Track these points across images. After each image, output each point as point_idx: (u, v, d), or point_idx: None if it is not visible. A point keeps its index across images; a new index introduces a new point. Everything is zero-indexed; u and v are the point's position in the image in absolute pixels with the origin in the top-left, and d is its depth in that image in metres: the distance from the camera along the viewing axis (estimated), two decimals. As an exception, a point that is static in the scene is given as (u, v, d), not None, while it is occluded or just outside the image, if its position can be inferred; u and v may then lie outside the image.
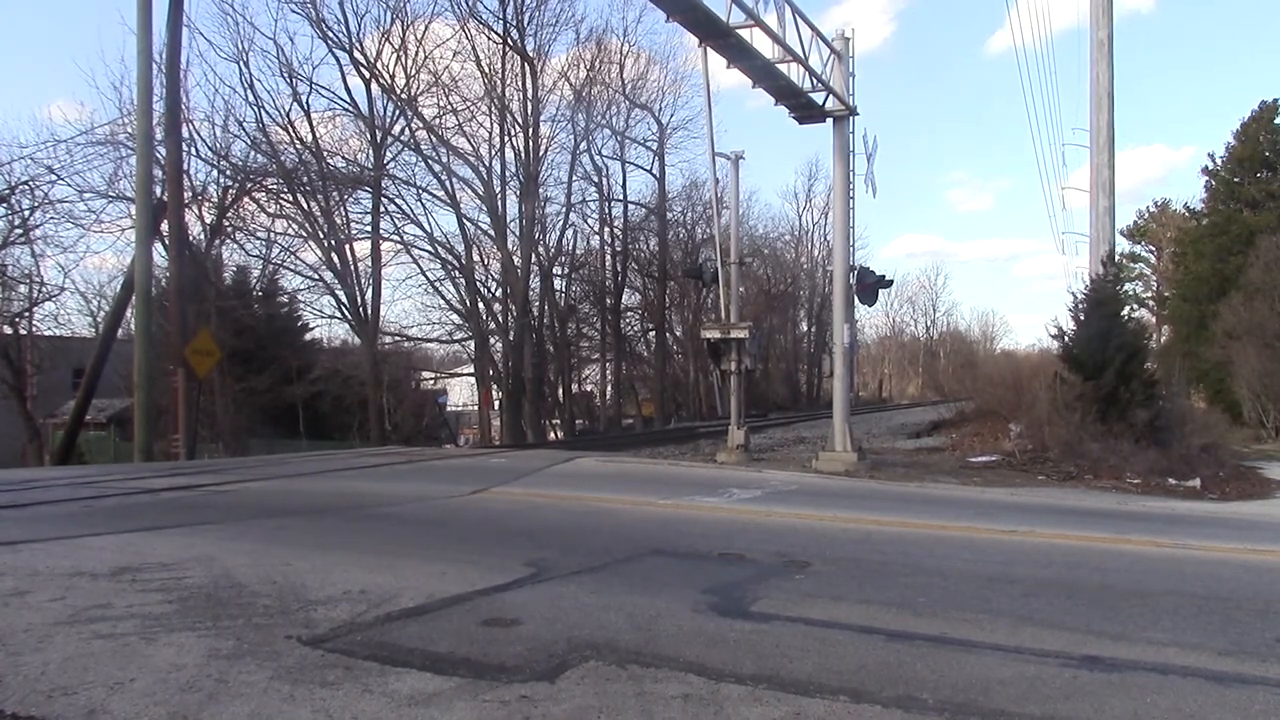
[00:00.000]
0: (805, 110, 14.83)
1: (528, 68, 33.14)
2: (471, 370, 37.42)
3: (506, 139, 33.53)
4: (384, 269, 32.63)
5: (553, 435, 36.68)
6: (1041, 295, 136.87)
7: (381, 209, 31.82)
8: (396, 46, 31.45)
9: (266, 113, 29.69)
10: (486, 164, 33.17)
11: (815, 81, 14.15)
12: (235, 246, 31.33)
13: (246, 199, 29.60)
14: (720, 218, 18.74)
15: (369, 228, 31.88)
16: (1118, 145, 17.82)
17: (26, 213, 24.09)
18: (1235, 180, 39.14)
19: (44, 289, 25.58)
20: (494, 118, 33.28)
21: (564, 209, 37.78)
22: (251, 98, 29.55)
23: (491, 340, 34.93)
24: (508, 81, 33.20)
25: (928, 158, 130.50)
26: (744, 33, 12.55)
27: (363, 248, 31.82)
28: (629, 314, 45.22)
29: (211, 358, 18.30)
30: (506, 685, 3.29)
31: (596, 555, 6.11)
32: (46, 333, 27.35)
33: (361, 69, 31.29)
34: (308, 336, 37.13)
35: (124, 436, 25.86)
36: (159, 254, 20.37)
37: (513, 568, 5.45)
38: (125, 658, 3.52)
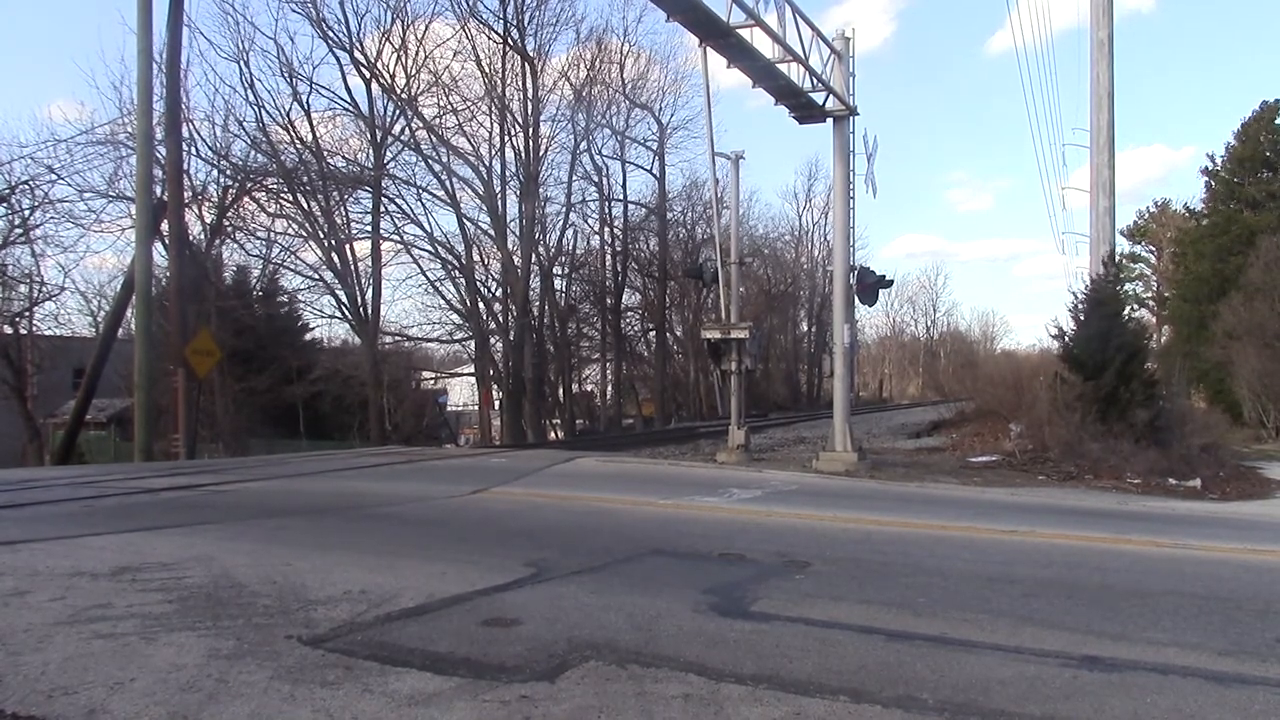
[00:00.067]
0: (805, 110, 14.83)
1: (528, 67, 33.14)
2: (472, 370, 37.42)
3: (506, 139, 33.56)
4: (384, 269, 32.67)
5: (553, 435, 36.67)
6: (1041, 295, 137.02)
7: (381, 209, 31.82)
8: (397, 46, 31.48)
9: (267, 112, 29.73)
10: (486, 164, 33.20)
11: (815, 81, 14.15)
12: (235, 246, 31.39)
13: (246, 199, 29.62)
14: (720, 218, 18.73)
15: (369, 227, 31.88)
16: (1118, 145, 17.85)
17: (27, 212, 24.12)
18: (1235, 180, 39.15)
19: (44, 289, 25.61)
20: (494, 117, 33.32)
21: (564, 209, 37.82)
22: (252, 97, 29.58)
23: (492, 340, 34.93)
24: (508, 81, 33.23)
25: (928, 158, 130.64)
26: (744, 32, 12.55)
27: (363, 247, 31.87)
28: (629, 314, 45.24)
29: (211, 358, 18.31)
30: (506, 685, 3.29)
31: (597, 555, 6.11)
32: (47, 332, 27.37)
33: (362, 69, 31.32)
34: (308, 336, 37.15)
35: (124, 436, 25.86)
36: (159, 254, 20.39)
37: (513, 568, 5.45)
38: (125, 658, 3.52)
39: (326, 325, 38.55)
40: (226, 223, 29.27)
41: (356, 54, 30.91)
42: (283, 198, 30.14)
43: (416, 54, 31.69)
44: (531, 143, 33.47)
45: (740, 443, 16.95)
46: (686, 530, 7.51)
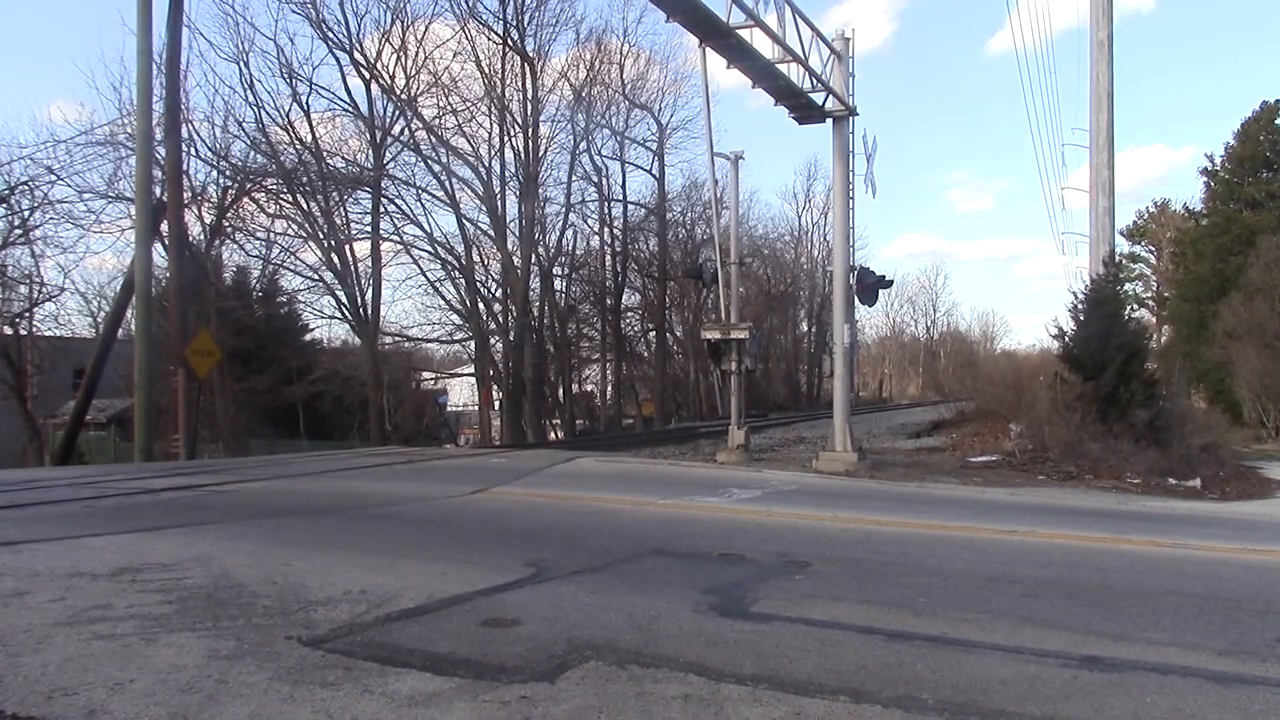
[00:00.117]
0: (805, 110, 14.83)
1: (528, 68, 33.15)
2: (472, 370, 37.43)
3: (506, 139, 33.58)
4: (384, 269, 32.68)
5: (553, 435, 36.67)
6: (1041, 295, 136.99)
7: (381, 209, 31.84)
8: (396, 47, 31.51)
9: (266, 113, 29.74)
10: (486, 164, 33.22)
11: (815, 82, 14.15)
12: (235, 247, 31.40)
13: (246, 199, 29.62)
14: (720, 218, 18.74)
15: (369, 228, 31.90)
16: (1118, 145, 17.89)
17: (26, 213, 24.12)
18: (1235, 180, 39.15)
19: (44, 289, 25.61)
20: (494, 118, 33.33)
21: (564, 209, 37.83)
22: (251, 98, 29.60)
23: (492, 340, 34.93)
24: (508, 82, 33.25)
25: (928, 158, 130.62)
26: (744, 33, 12.55)
27: (363, 248, 31.88)
28: (629, 314, 45.23)
29: (211, 358, 18.31)
30: (506, 685, 3.29)
31: (597, 555, 6.10)
32: (47, 333, 27.38)
33: (361, 69, 31.33)
34: (308, 337, 37.17)
35: (124, 436, 25.87)
36: (159, 254, 20.39)
37: (513, 568, 5.45)
38: (125, 658, 3.52)
39: (326, 325, 38.62)
40: (226, 223, 29.29)
41: (356, 55, 30.97)
42: (282, 198, 30.17)
43: (416, 55, 31.78)
44: (531, 143, 33.52)
45: (740, 443, 16.95)
46: (686, 530, 7.51)
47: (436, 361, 44.42)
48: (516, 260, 33.78)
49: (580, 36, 40.14)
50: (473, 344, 35.56)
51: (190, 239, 25.01)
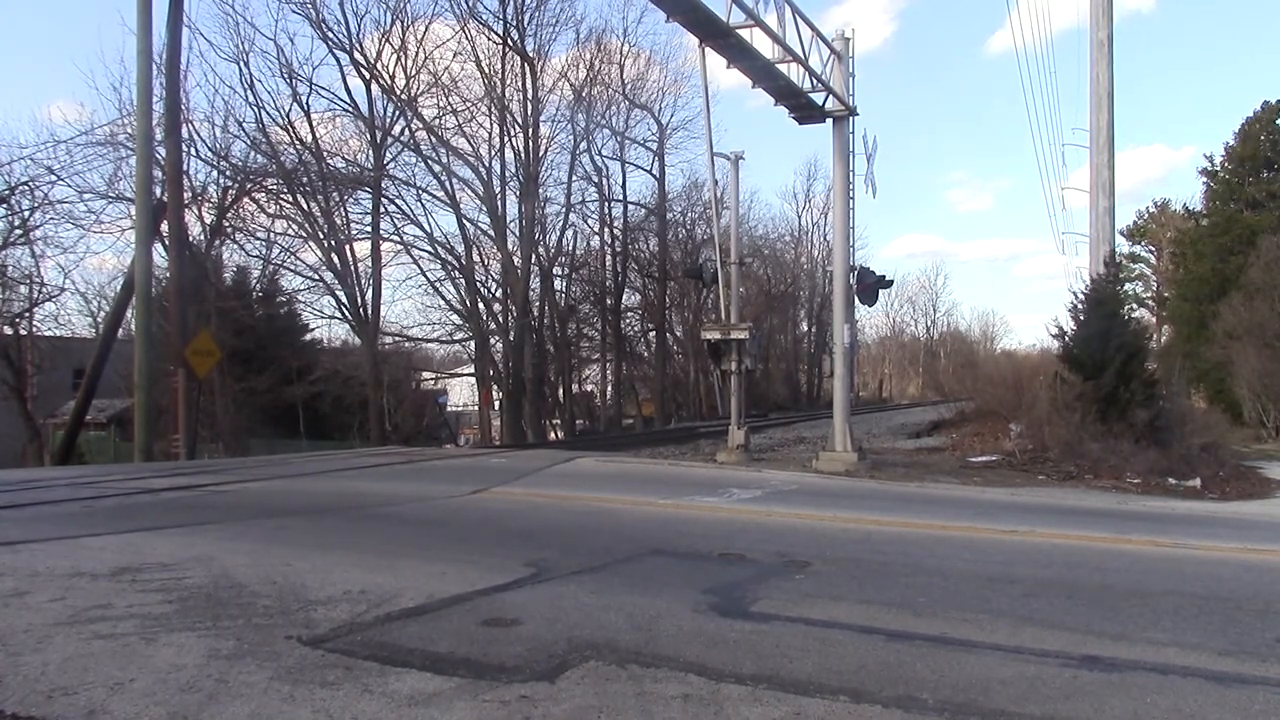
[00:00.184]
0: (805, 110, 14.83)
1: (528, 68, 33.15)
2: (472, 370, 37.43)
3: (506, 139, 33.57)
4: (384, 269, 32.68)
5: (553, 435, 36.67)
6: (1041, 295, 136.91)
7: (381, 209, 31.84)
8: (396, 47, 31.50)
9: (266, 113, 29.74)
10: (486, 164, 33.22)
11: (815, 82, 14.15)
12: (235, 247, 31.40)
13: (246, 199, 29.62)
14: (720, 218, 18.73)
15: (369, 228, 31.89)
16: (1118, 145, 17.86)
17: (26, 213, 24.11)
18: (1236, 181, 39.14)
19: (44, 289, 25.59)
20: (494, 118, 33.33)
21: (564, 209, 37.83)
22: (251, 98, 29.60)
23: (492, 340, 34.93)
24: (508, 82, 33.25)
25: (928, 158, 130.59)
26: (744, 33, 12.55)
27: (363, 248, 31.87)
28: (629, 314, 45.24)
29: (211, 358, 18.31)
30: (506, 685, 3.29)
31: (597, 555, 6.11)
32: (47, 333, 27.37)
33: (361, 70, 31.33)
34: (308, 337, 37.15)
35: (124, 437, 25.87)
36: (159, 254, 20.39)
37: (513, 568, 5.45)
38: (125, 658, 3.52)
39: (326, 326, 38.62)
40: (226, 223, 29.30)
41: (356, 55, 30.96)
42: (282, 198, 30.18)
43: (416, 55, 31.78)
44: (531, 143, 33.51)
45: (740, 443, 16.95)
46: (686, 530, 7.51)
47: (436, 361, 44.45)
48: (517, 260, 33.79)
49: (580, 36, 40.15)
50: (473, 344, 35.58)
51: (190, 239, 25.02)
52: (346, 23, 30.50)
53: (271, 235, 31.10)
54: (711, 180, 18.68)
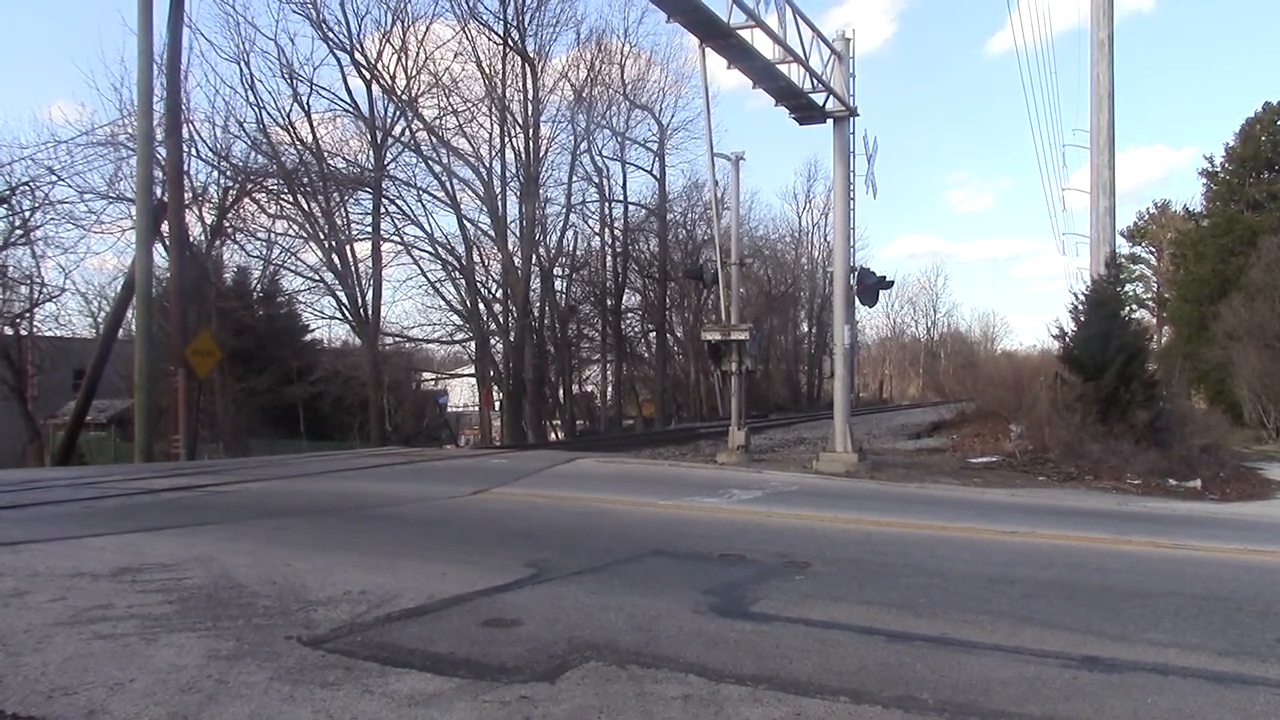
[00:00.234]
0: (806, 111, 14.84)
1: (528, 68, 33.17)
2: (472, 371, 37.44)
3: (507, 140, 33.59)
4: (384, 270, 32.67)
5: (553, 436, 36.68)
6: (1042, 296, 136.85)
7: (382, 210, 31.84)
8: (397, 47, 31.51)
9: (267, 113, 29.75)
10: (487, 165, 33.23)
11: (815, 82, 14.16)
12: (236, 247, 31.41)
13: (247, 200, 29.63)
14: (720, 219, 18.73)
15: (369, 228, 31.89)
16: (1118, 146, 17.85)
17: (27, 213, 24.12)
18: (1236, 181, 39.13)
19: (45, 290, 25.59)
20: (494, 118, 33.34)
21: (564, 210, 37.83)
22: (252, 98, 29.62)
23: (492, 341, 34.94)
24: (508, 82, 33.27)
25: (928, 158, 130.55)
26: (745, 33, 12.55)
27: (363, 248, 31.88)
28: (629, 315, 45.24)
29: (212, 358, 18.31)
30: (507, 686, 3.29)
31: (597, 556, 6.11)
32: (47, 333, 27.38)
33: (362, 70, 31.34)
34: (308, 337, 37.15)
35: (124, 437, 25.86)
36: (159, 255, 20.38)
37: (513, 568, 5.45)
38: (125, 658, 3.52)
39: (327, 326, 38.63)
40: (227, 224, 29.31)
41: (357, 55, 30.98)
42: (283, 199, 30.19)
43: (417, 55, 31.79)
44: (532, 144, 33.53)
45: (740, 443, 16.95)
46: (687, 531, 7.51)
47: (437, 362, 44.45)
48: (517, 261, 33.80)
49: (581, 37, 40.26)
50: (473, 344, 35.59)
51: (191, 239, 25.01)
52: (347, 23, 30.57)
53: (272, 235, 31.15)
54: (712, 181, 18.70)
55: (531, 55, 33.19)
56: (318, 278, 31.85)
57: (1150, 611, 4.82)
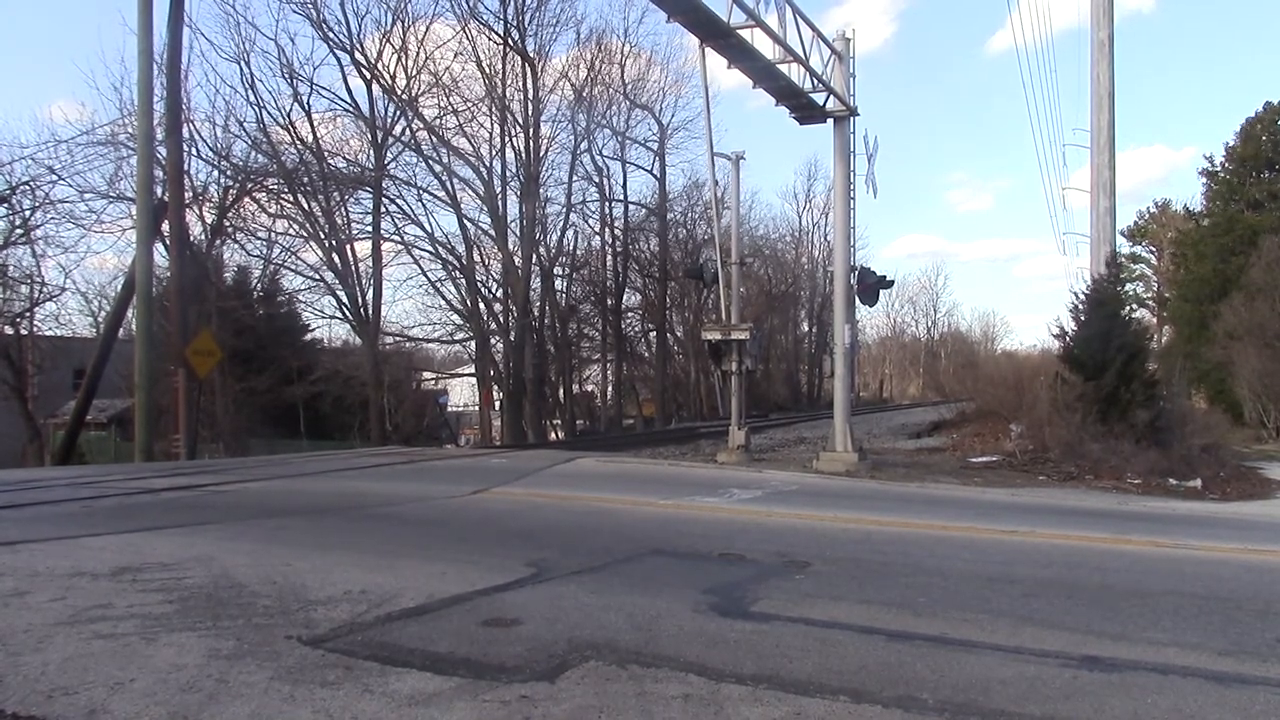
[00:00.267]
0: (806, 111, 14.84)
1: (528, 68, 33.17)
2: (472, 370, 37.44)
3: (507, 139, 33.58)
4: (385, 269, 32.67)
5: (553, 435, 36.68)
6: (1042, 295, 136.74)
7: (382, 209, 31.83)
8: (397, 47, 31.51)
9: (267, 113, 29.75)
10: (487, 164, 33.23)
11: (816, 82, 14.16)
12: (236, 247, 31.43)
13: (247, 199, 29.63)
14: (720, 219, 18.73)
15: (370, 228, 31.90)
16: (1118, 145, 17.83)
17: (27, 213, 24.10)
18: (1237, 181, 39.14)
19: (45, 289, 25.58)
20: (494, 118, 33.34)
21: (564, 209, 37.83)
22: (252, 98, 29.63)
23: (492, 340, 34.94)
24: (508, 82, 33.26)
25: (928, 158, 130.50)
26: (745, 33, 12.55)
27: (363, 248, 31.88)
28: (630, 314, 45.24)
29: (212, 358, 18.31)
30: (507, 685, 3.30)
31: (597, 555, 6.11)
32: (47, 333, 27.37)
33: (362, 70, 31.33)
34: (308, 337, 37.17)
35: (124, 437, 25.87)
36: (160, 254, 20.40)
37: (513, 568, 5.45)
38: (125, 658, 3.52)
39: (327, 326, 38.65)
40: (227, 223, 29.31)
41: (357, 55, 30.97)
42: (283, 198, 30.19)
43: (417, 55, 31.78)
44: (532, 143, 33.53)
45: (740, 443, 16.95)
46: (687, 530, 7.51)
47: (437, 362, 44.46)
48: (517, 260, 33.80)
49: (581, 36, 40.28)
50: (473, 344, 35.59)
51: (191, 239, 25.00)
52: (347, 23, 30.57)
53: (272, 235, 31.16)
54: (712, 180, 18.70)
55: (531, 55, 33.21)
56: (318, 277, 31.90)
57: (1150, 611, 4.82)
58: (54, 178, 23.79)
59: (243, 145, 29.19)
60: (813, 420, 34.37)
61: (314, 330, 37.70)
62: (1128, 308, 18.81)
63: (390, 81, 31.42)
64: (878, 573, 5.77)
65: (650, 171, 42.05)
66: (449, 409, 44.39)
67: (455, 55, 32.53)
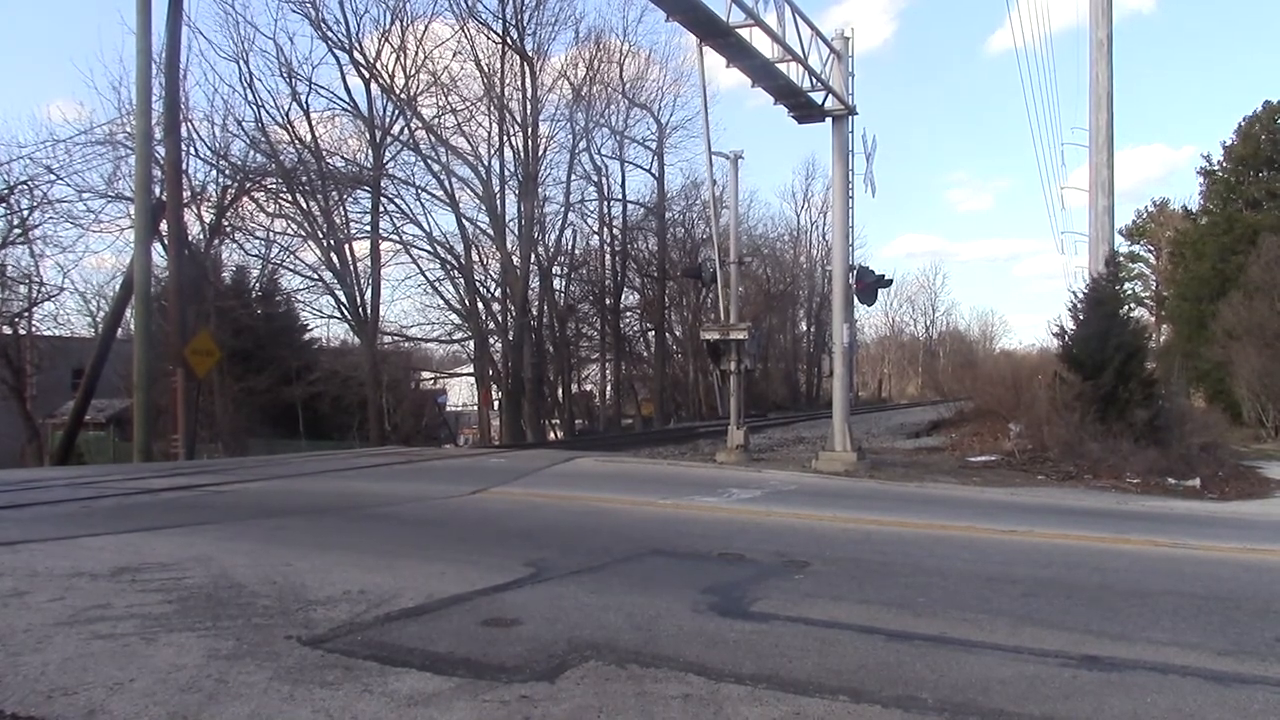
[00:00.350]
0: (805, 110, 14.83)
1: (527, 67, 33.16)
2: (471, 370, 37.43)
3: (506, 139, 33.58)
4: (383, 269, 32.71)
5: (552, 435, 36.67)
6: (1041, 295, 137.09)
7: (381, 209, 31.85)
8: (396, 46, 31.53)
9: (266, 112, 29.75)
10: (485, 164, 33.23)
11: (815, 81, 14.15)
12: (234, 246, 31.41)
13: (246, 199, 29.62)
14: (719, 218, 18.73)
15: (368, 227, 31.90)
16: (1117, 145, 17.89)
17: (26, 213, 24.07)
18: (1235, 180, 39.16)
19: (43, 289, 25.56)
20: (493, 117, 33.34)
21: (563, 209, 37.83)
22: (251, 97, 29.62)
23: (491, 340, 34.93)
24: (507, 81, 33.25)
25: (928, 158, 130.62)
26: (744, 32, 12.54)
27: (362, 247, 31.88)
28: (628, 314, 45.25)
29: (211, 358, 18.30)
30: (506, 685, 3.29)
31: (596, 555, 6.10)
32: (46, 333, 27.37)
33: (361, 69, 31.34)
34: (307, 337, 37.13)
35: (123, 437, 25.86)
36: (158, 254, 20.39)
37: (512, 568, 5.45)
38: (125, 658, 3.52)
39: (325, 325, 38.60)
40: (225, 223, 29.29)
41: (356, 54, 30.98)
42: (282, 198, 30.16)
43: (416, 54, 31.80)
44: (530, 142, 33.52)
45: (739, 443, 16.95)
46: (686, 530, 7.51)
47: (436, 361, 44.44)
48: (516, 260, 33.79)
49: (580, 35, 40.13)
50: (472, 344, 35.58)
51: (189, 238, 25.01)
52: (346, 22, 30.57)
53: (271, 235, 31.14)
54: (710, 179, 18.70)
55: (530, 54, 33.20)
56: (316, 277, 31.89)
57: (1149, 610, 4.83)
58: (52, 177, 23.79)
59: (241, 144, 29.23)
60: (811, 420, 34.38)
61: (312, 330, 37.73)
62: (1126, 307, 18.81)
63: (389, 81, 31.46)
64: (877, 572, 5.77)
65: (649, 171, 42.11)
66: (447, 409, 44.36)
67: (454, 54, 32.58)
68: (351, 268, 30.99)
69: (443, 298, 34.65)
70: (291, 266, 32.37)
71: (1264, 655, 4.03)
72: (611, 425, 42.59)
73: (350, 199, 31.92)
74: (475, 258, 34.51)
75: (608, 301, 42.11)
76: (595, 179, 39.97)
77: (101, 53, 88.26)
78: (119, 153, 24.35)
